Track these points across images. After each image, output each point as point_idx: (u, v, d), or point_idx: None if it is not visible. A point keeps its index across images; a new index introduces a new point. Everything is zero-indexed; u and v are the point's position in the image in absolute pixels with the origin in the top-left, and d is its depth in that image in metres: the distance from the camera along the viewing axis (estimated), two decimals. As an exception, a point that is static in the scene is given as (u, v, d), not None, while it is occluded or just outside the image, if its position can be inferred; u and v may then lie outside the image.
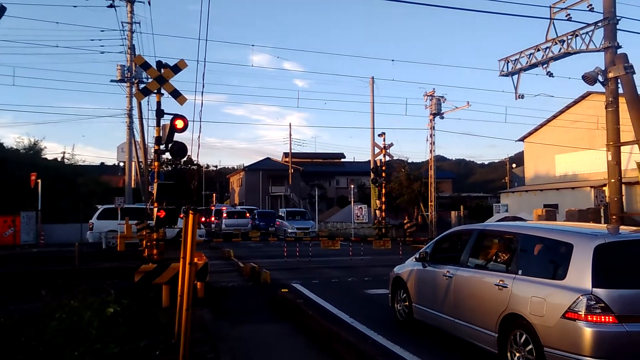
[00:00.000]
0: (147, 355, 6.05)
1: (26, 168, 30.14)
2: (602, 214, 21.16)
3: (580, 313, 5.03)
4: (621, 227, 7.59)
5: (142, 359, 5.91)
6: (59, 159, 41.88)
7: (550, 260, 5.90)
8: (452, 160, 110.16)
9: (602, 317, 4.96)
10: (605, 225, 13.01)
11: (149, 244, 13.01)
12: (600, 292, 5.04)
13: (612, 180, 17.31)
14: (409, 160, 49.72)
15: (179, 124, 12.05)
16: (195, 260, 8.54)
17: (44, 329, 6.61)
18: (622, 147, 17.56)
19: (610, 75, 16.74)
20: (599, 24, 17.18)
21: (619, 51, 16.88)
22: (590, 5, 17.16)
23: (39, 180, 27.80)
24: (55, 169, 36.68)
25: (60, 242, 26.75)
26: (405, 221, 31.54)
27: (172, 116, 12.34)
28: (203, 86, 11.34)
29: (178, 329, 6.34)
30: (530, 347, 5.52)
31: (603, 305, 4.98)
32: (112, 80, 30.81)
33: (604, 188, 21.17)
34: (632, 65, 16.52)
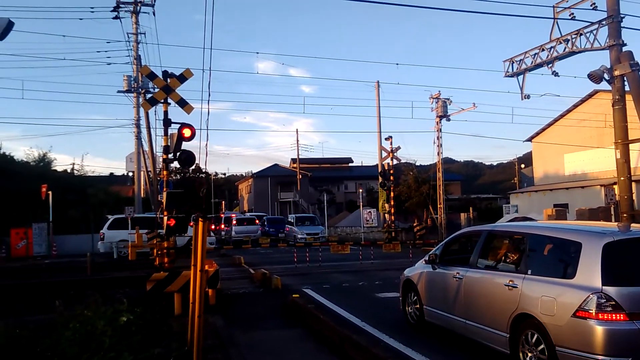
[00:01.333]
0: (161, 363, 6.11)
1: (36, 180, 30.42)
2: (612, 213, 21.04)
3: (591, 311, 5.03)
4: (632, 225, 7.57)
5: (156, 366, 5.97)
6: (69, 170, 42.24)
7: (560, 259, 5.91)
8: (461, 162, 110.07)
9: (613, 315, 4.96)
10: (616, 223, 12.95)
11: (159, 252, 13.08)
12: (610, 290, 5.04)
13: (622, 178, 17.24)
14: (417, 163, 49.68)
15: (187, 132, 12.14)
16: (206, 267, 8.60)
17: (59, 339, 6.68)
18: (630, 145, 17.49)
19: (616, 73, 16.70)
20: (603, 23, 17.15)
21: (624, 49, 16.85)
22: (594, 3, 17.17)
23: (50, 192, 28.04)
24: (65, 180, 36.98)
25: (72, 253, 26.93)
26: (414, 224, 31.50)
27: (179, 125, 12.43)
28: (209, 94, 11.54)
29: (191, 336, 6.40)
30: (542, 346, 5.52)
31: (613, 303, 4.98)
32: (119, 91, 31.18)
33: (614, 186, 21.03)
34: (637, 62, 16.48)
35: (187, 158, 12.60)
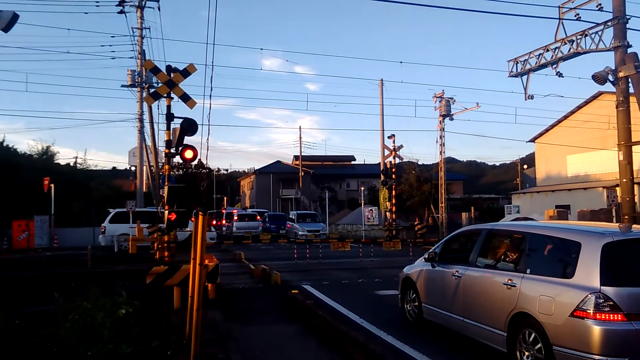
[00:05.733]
0: (158, 355, 6.12)
1: (39, 173, 30.46)
2: (614, 214, 21.00)
3: (588, 311, 5.03)
4: (634, 226, 7.55)
5: (154, 358, 5.99)
6: (72, 164, 42.35)
7: (559, 259, 5.91)
8: (463, 161, 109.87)
9: (611, 315, 4.96)
10: (617, 224, 12.93)
11: (160, 246, 13.12)
12: (608, 290, 5.04)
13: (624, 180, 17.18)
14: (419, 162, 49.68)
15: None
16: (206, 262, 8.62)
17: (58, 330, 6.70)
18: (634, 147, 17.43)
19: (621, 74, 16.64)
20: (609, 24, 17.08)
21: (629, 50, 16.77)
22: (600, 4, 17.08)
23: (52, 185, 28.07)
24: (68, 173, 37.07)
25: (73, 246, 26.99)
26: (415, 223, 31.49)
27: (182, 120, 12.46)
28: (211, 89, 11.69)
29: (189, 330, 6.42)
30: (539, 345, 5.53)
31: (611, 303, 4.98)
32: (122, 86, 31.17)
33: (616, 188, 20.99)
34: (642, 64, 16.40)
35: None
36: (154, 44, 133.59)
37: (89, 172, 42.28)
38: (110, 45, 37.25)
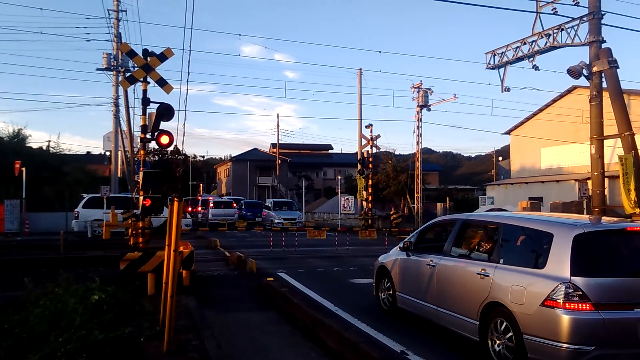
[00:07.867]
0: (132, 342, 6.08)
1: (10, 156, 29.79)
2: (584, 207, 21.45)
3: (558, 301, 5.13)
4: (603, 218, 7.71)
5: (126, 345, 5.93)
6: (45, 148, 41.54)
7: (531, 249, 6.00)
8: (440, 152, 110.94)
9: (580, 305, 5.06)
10: (588, 216, 13.19)
11: (134, 232, 12.95)
12: (578, 280, 5.14)
13: (595, 173, 17.54)
14: (396, 152, 50.03)
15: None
16: (181, 248, 8.56)
17: (28, 316, 6.60)
18: (605, 141, 17.79)
19: (595, 69, 16.93)
20: (584, 19, 17.34)
21: (604, 45, 17.09)
22: (576, -1, 17.33)
23: (24, 169, 27.47)
24: (41, 157, 36.34)
25: (45, 231, 26.52)
26: (391, 212, 31.71)
27: (158, 105, 12.24)
28: (188, 74, 11.49)
29: (163, 316, 6.38)
30: (510, 334, 5.63)
31: (580, 293, 5.08)
32: (98, 69, 30.66)
33: (587, 181, 21.44)
34: (615, 59, 16.72)
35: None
36: (130, 27, 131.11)
37: (63, 156, 41.49)
38: (86, 27, 36.61)
